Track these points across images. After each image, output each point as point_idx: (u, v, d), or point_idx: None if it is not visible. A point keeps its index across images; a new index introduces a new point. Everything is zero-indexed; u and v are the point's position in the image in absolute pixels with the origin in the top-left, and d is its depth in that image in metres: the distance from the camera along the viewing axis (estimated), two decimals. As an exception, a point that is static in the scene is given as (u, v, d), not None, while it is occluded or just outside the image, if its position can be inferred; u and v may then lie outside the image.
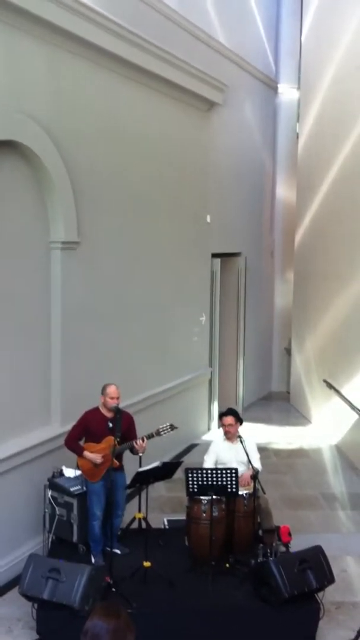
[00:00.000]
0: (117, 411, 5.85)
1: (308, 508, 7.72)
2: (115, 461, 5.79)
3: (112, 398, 5.88)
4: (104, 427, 5.88)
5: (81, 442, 6.00)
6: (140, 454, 6.02)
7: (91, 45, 6.69)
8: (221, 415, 6.47)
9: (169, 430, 6.06)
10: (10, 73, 5.80)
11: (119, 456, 5.93)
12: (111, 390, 5.91)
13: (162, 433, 6.04)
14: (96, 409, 6.00)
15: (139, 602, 5.14)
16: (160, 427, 6.04)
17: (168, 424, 6.08)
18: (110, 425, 5.85)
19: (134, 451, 5.98)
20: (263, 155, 12.25)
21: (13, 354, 6.06)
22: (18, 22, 5.78)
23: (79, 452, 5.92)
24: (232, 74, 10.30)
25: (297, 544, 5.84)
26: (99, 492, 5.84)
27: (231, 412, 6.42)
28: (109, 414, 5.92)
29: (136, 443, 5.90)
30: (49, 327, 6.53)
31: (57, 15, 6.09)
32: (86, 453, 5.86)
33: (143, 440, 5.90)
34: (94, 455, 5.82)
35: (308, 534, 6.63)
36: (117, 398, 5.91)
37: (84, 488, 5.99)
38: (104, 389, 5.96)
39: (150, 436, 5.96)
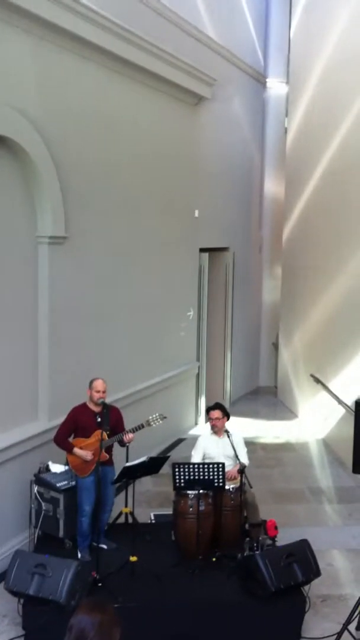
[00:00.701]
0: (105, 406, 5.84)
1: (295, 502, 7.76)
2: (105, 454, 5.80)
3: (97, 391, 5.89)
4: (92, 422, 5.88)
5: (70, 438, 5.99)
6: (127, 445, 6.03)
7: (80, 39, 6.65)
8: (208, 410, 6.50)
9: (159, 420, 6.07)
10: (-3, 66, 5.76)
11: (108, 449, 5.95)
12: (97, 383, 5.91)
13: (152, 423, 6.05)
14: (84, 405, 6.00)
15: (126, 596, 5.15)
16: (150, 417, 6.06)
17: (157, 414, 6.10)
18: (99, 419, 5.85)
19: (122, 443, 5.99)
20: (251, 150, 12.25)
21: (0, 348, 6.03)
22: (5, 15, 5.74)
23: (69, 449, 5.90)
24: (221, 68, 10.28)
25: (284, 538, 5.86)
26: (89, 487, 5.84)
27: (218, 406, 6.44)
28: (96, 408, 5.92)
29: (125, 435, 5.91)
30: (36, 322, 6.51)
31: (46, 9, 6.06)
32: (76, 450, 5.85)
33: (133, 431, 5.92)
34: (84, 452, 5.81)
35: (294, 528, 6.67)
36: (104, 392, 5.91)
37: (71, 484, 5.99)
38: (90, 383, 5.97)
39: (140, 427, 5.97)
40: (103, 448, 5.77)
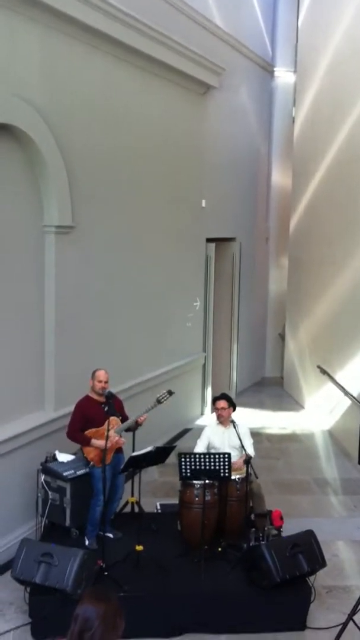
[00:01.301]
0: (110, 395, 5.85)
1: (300, 493, 7.78)
2: (121, 439, 5.88)
3: (100, 381, 5.90)
4: (101, 412, 5.87)
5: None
6: (139, 426, 6.11)
7: (87, 27, 6.61)
8: (215, 400, 6.49)
9: (168, 396, 6.13)
10: (4, 56, 5.73)
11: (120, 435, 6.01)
12: (100, 373, 5.93)
13: (162, 401, 6.10)
14: (87, 397, 6.00)
15: (131, 586, 5.17)
16: (158, 395, 6.11)
17: (165, 391, 6.15)
18: (106, 408, 5.84)
19: (136, 425, 6.05)
20: (259, 140, 12.18)
21: (6, 339, 6.05)
22: (13, 4, 5.71)
23: (85, 442, 5.88)
24: (229, 57, 10.21)
25: (289, 529, 5.88)
26: (107, 477, 5.80)
27: (224, 396, 6.44)
28: (100, 398, 5.93)
29: (139, 419, 5.97)
30: (43, 312, 6.51)
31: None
32: (94, 441, 5.84)
33: (143, 416, 6.02)
34: (102, 442, 5.78)
35: (300, 519, 6.69)
36: (106, 382, 5.92)
37: (77, 473, 6.00)
38: (93, 373, 5.98)
39: (151, 408, 6.03)
40: (119, 434, 5.86)
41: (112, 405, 5.81)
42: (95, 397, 5.96)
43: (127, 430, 6.07)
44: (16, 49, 5.86)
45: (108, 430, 5.65)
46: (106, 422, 5.72)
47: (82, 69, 6.81)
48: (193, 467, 5.70)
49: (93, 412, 5.91)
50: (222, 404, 6.31)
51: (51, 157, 6.29)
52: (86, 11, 6.50)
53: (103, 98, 7.19)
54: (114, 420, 5.80)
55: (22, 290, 6.24)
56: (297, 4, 11.91)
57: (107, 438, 5.64)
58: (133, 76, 7.73)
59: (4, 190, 5.91)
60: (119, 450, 5.98)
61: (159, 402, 6.10)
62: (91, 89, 6.97)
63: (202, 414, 10.32)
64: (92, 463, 5.90)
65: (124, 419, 6.04)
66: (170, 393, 6.16)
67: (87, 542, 5.85)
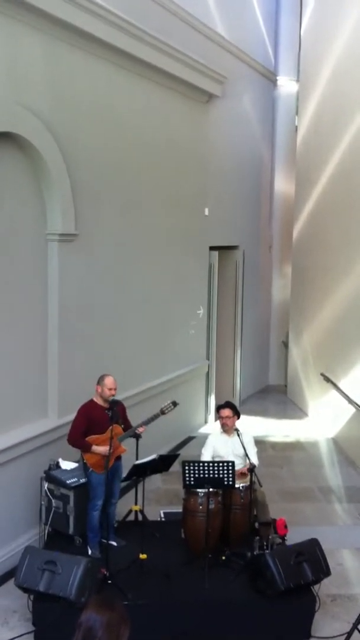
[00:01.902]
0: (114, 403, 5.84)
1: (304, 501, 7.74)
2: (123, 447, 5.89)
3: (110, 389, 5.89)
4: (105, 417, 5.84)
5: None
6: (139, 436, 6.11)
7: (90, 36, 6.65)
8: (219, 408, 6.49)
9: (172, 407, 6.14)
10: (8, 64, 5.77)
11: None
12: (109, 381, 5.91)
13: (166, 412, 6.11)
14: (91, 402, 5.98)
15: (135, 594, 5.15)
16: (163, 406, 6.11)
17: (170, 401, 6.16)
18: (110, 414, 5.82)
19: (135, 435, 6.06)
20: (261, 148, 12.21)
21: (10, 346, 6.05)
22: (16, 13, 5.75)
23: (87, 448, 5.87)
24: (231, 66, 10.25)
25: (293, 537, 5.85)
26: (104, 482, 5.83)
27: (229, 404, 6.43)
28: (105, 404, 5.92)
29: (138, 430, 5.97)
30: (46, 319, 6.52)
31: (56, 7, 6.06)
32: (95, 447, 5.83)
33: (147, 423, 6.02)
34: (103, 448, 5.78)
35: (304, 527, 6.65)
36: (115, 389, 5.92)
37: (81, 481, 6.00)
38: (101, 379, 5.95)
39: (154, 417, 6.03)
40: (121, 442, 5.86)
41: (116, 412, 5.80)
42: (100, 402, 5.95)
43: (134, 436, 6.06)
44: (20, 57, 5.90)
45: (112, 437, 5.64)
46: (109, 430, 5.71)
47: (85, 77, 6.84)
48: (197, 475, 5.68)
49: (97, 417, 5.89)
50: (227, 412, 6.30)
51: (54, 165, 6.31)
52: (89, 20, 6.54)
53: (106, 106, 7.22)
54: (117, 427, 5.79)
55: (26, 298, 6.25)
56: (300, 13, 11.97)
57: (111, 444, 5.63)
58: (136, 85, 7.77)
59: (7, 198, 5.93)
60: (117, 458, 5.97)
61: (162, 412, 6.10)
62: (94, 97, 7.00)
63: (205, 421, 10.30)
64: (91, 469, 5.90)
65: (126, 425, 6.04)
66: (174, 404, 6.16)
67: (90, 552, 5.83)
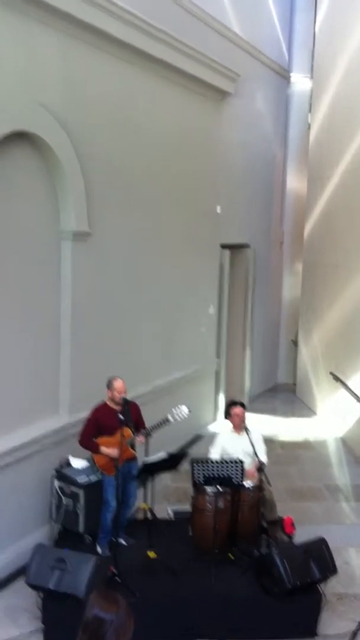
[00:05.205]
0: (126, 402, 5.86)
1: (312, 500, 7.77)
2: (131, 450, 5.87)
3: (120, 393, 5.89)
4: (115, 420, 5.85)
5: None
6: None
7: (104, 34, 6.67)
8: (229, 406, 6.49)
9: (184, 416, 5.94)
10: (23, 63, 5.79)
11: (131, 446, 6.00)
12: (118, 385, 5.91)
13: (177, 417, 5.89)
14: (104, 404, 6.01)
15: (143, 592, 5.18)
16: (175, 412, 5.90)
17: (186, 408, 5.94)
18: (122, 417, 5.82)
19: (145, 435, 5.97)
20: (274, 146, 12.19)
21: (22, 344, 6.09)
22: (32, 12, 5.78)
23: (95, 449, 5.92)
24: (245, 63, 10.23)
25: (301, 535, 5.89)
26: (114, 484, 5.83)
27: (241, 402, 6.49)
28: (117, 407, 5.93)
29: (138, 437, 5.90)
30: (59, 318, 6.56)
31: (71, 5, 6.07)
32: (103, 449, 5.87)
33: (158, 427, 5.84)
34: (111, 450, 5.81)
35: (312, 526, 6.68)
36: (125, 392, 5.93)
37: (91, 479, 6.03)
38: (110, 383, 5.95)
39: (163, 423, 5.86)
40: (129, 445, 5.85)
41: (128, 413, 5.79)
42: (112, 405, 5.97)
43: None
44: (35, 56, 5.93)
45: (131, 438, 5.66)
46: (119, 433, 5.74)
47: (100, 76, 6.86)
48: (206, 473, 5.72)
49: (108, 420, 5.91)
50: (239, 410, 6.33)
51: (68, 164, 6.34)
52: (104, 19, 6.56)
53: (120, 105, 7.24)
54: (127, 431, 5.81)
55: (39, 295, 6.29)
56: (314, 10, 11.92)
57: (121, 447, 5.66)
58: (150, 83, 7.78)
59: (21, 196, 5.97)
60: (131, 459, 5.99)
61: (174, 419, 5.92)
62: (109, 96, 7.02)
63: (215, 420, 10.32)
64: (100, 470, 5.94)
65: (140, 425, 6.04)
66: (187, 410, 5.98)
67: (99, 550, 5.88)
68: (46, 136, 6.05)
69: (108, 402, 6.00)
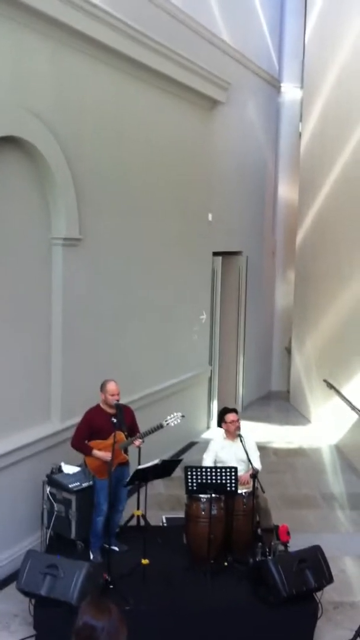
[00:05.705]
0: (118, 407, 5.83)
1: (307, 508, 7.72)
2: (124, 455, 5.84)
3: (112, 395, 5.87)
4: (109, 424, 5.85)
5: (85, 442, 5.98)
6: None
7: (95, 42, 6.68)
8: (223, 414, 6.44)
9: (177, 421, 6.03)
10: (13, 69, 5.79)
11: (124, 450, 5.95)
12: (111, 387, 5.90)
13: (171, 423, 6.00)
14: (97, 407, 5.99)
15: (137, 599, 5.13)
16: (169, 418, 5.99)
17: (179, 414, 6.04)
18: (115, 420, 5.81)
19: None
20: (265, 154, 12.24)
21: (13, 350, 6.05)
22: (22, 18, 5.77)
23: (87, 452, 5.88)
24: (236, 73, 10.28)
25: (296, 544, 5.83)
26: (106, 488, 5.78)
27: (234, 409, 6.44)
28: (111, 410, 5.91)
29: (134, 442, 5.91)
30: (50, 324, 6.52)
31: (62, 12, 6.08)
32: (96, 452, 5.84)
33: (151, 432, 5.92)
34: (104, 453, 5.78)
35: (307, 534, 6.62)
36: (118, 394, 5.90)
37: (83, 485, 5.98)
38: (103, 386, 5.95)
39: (158, 428, 5.91)
40: (122, 449, 5.81)
41: (122, 417, 5.77)
42: (106, 408, 5.94)
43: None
44: (26, 62, 5.92)
45: (114, 444, 5.62)
46: (112, 436, 5.70)
47: (91, 83, 6.86)
48: (199, 480, 5.67)
49: (100, 423, 5.89)
50: (233, 417, 6.28)
51: (59, 170, 6.33)
52: (95, 26, 6.57)
53: (111, 112, 7.24)
54: (119, 434, 5.77)
55: (30, 302, 6.25)
56: (304, 20, 12.01)
57: (113, 451, 5.61)
58: (141, 91, 7.79)
59: (12, 202, 5.94)
60: (123, 464, 5.95)
61: (167, 424, 5.99)
62: (99, 103, 7.02)
63: (208, 427, 10.28)
64: (92, 474, 5.89)
65: (134, 429, 6.01)
66: (181, 416, 6.06)
67: (91, 556, 5.82)
68: (36, 142, 6.03)
69: (102, 405, 5.97)
